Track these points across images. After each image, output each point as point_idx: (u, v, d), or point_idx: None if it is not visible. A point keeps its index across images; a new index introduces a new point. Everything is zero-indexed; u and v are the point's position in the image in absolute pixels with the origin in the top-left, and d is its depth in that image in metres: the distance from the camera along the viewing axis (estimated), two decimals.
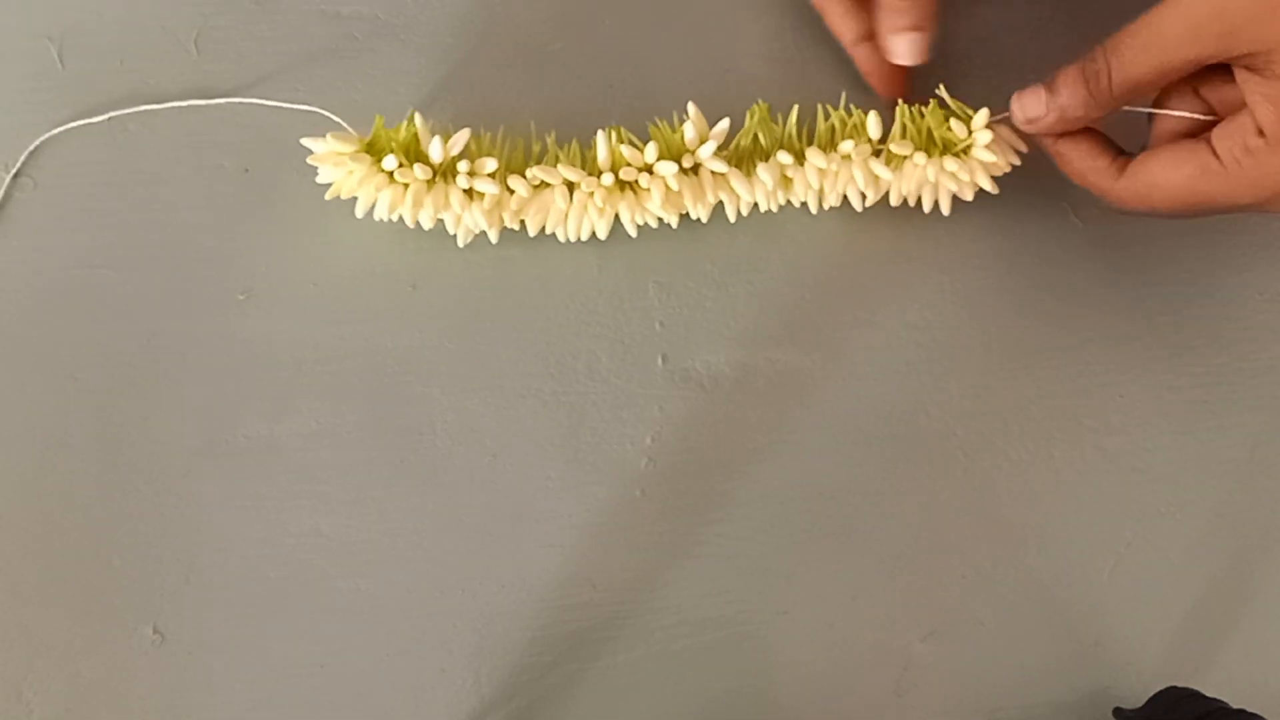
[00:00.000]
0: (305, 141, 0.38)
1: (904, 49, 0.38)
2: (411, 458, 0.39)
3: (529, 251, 0.40)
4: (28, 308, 0.39)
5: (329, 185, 0.38)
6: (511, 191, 0.38)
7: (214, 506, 0.38)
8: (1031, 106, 0.36)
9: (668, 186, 0.38)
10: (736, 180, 0.38)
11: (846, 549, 0.40)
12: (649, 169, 0.38)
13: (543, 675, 0.38)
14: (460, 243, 0.39)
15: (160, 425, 0.38)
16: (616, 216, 0.39)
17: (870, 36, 0.39)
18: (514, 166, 0.38)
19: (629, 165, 0.38)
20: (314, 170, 0.39)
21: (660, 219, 0.39)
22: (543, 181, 0.38)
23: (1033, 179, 0.40)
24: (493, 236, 0.39)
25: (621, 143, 0.38)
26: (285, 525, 0.38)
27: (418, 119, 0.37)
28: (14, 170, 0.39)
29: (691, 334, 0.40)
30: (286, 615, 0.38)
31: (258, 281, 0.39)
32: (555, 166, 0.38)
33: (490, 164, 0.37)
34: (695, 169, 0.38)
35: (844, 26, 0.40)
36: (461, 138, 0.37)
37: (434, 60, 0.41)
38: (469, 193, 0.37)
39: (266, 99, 0.40)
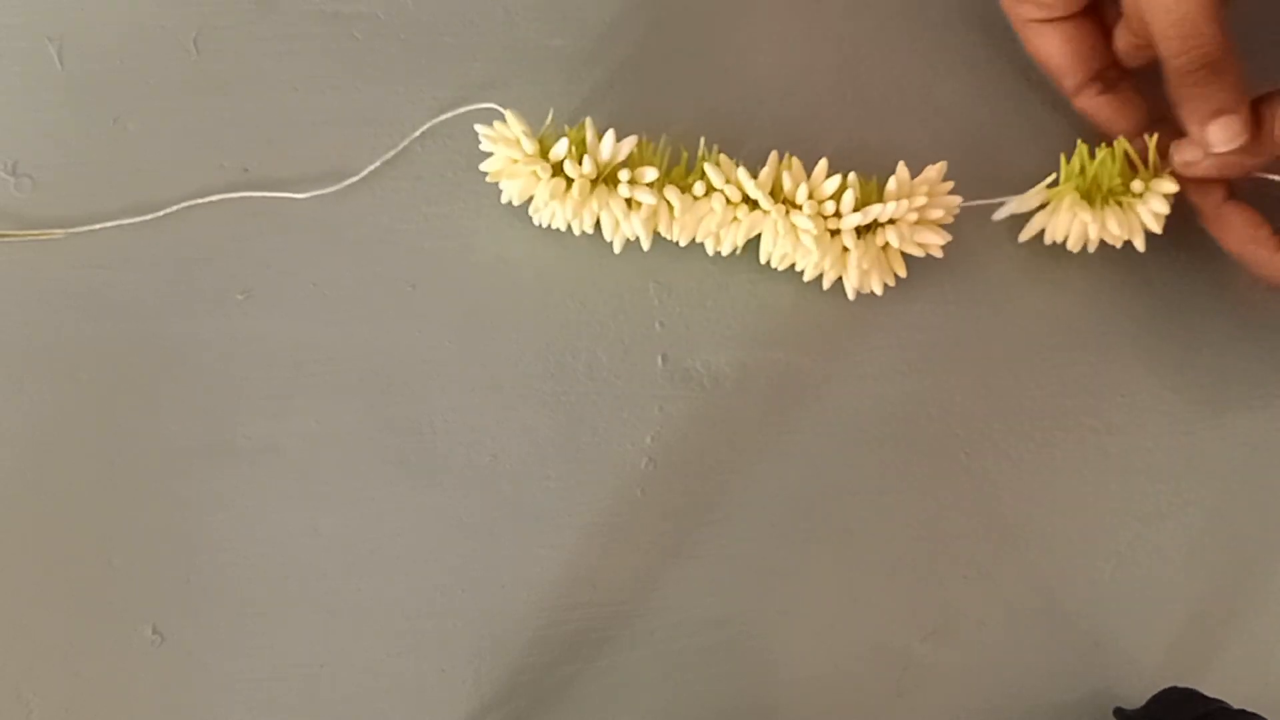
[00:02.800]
0: (479, 128, 0.38)
1: (1219, 135, 0.35)
2: (411, 458, 0.39)
3: (529, 251, 0.40)
4: (28, 308, 0.39)
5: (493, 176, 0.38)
6: (670, 205, 0.38)
7: (214, 506, 0.38)
8: (1188, 151, 0.36)
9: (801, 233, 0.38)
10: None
11: (846, 549, 0.40)
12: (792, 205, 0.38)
13: (543, 675, 0.38)
14: (616, 249, 0.39)
15: (160, 425, 0.38)
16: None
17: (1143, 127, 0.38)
18: (673, 178, 0.38)
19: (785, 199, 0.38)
20: (314, 170, 0.39)
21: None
22: (705, 192, 0.38)
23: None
24: (645, 244, 0.39)
25: (787, 169, 0.38)
26: (285, 525, 0.38)
27: (588, 123, 0.37)
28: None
29: (691, 334, 0.40)
30: (286, 615, 0.38)
31: (258, 281, 0.39)
32: (721, 174, 0.38)
33: (650, 173, 0.37)
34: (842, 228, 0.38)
35: (1121, 121, 0.39)
36: (628, 144, 0.37)
37: (434, 60, 0.41)
38: (629, 201, 0.38)
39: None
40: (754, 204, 0.38)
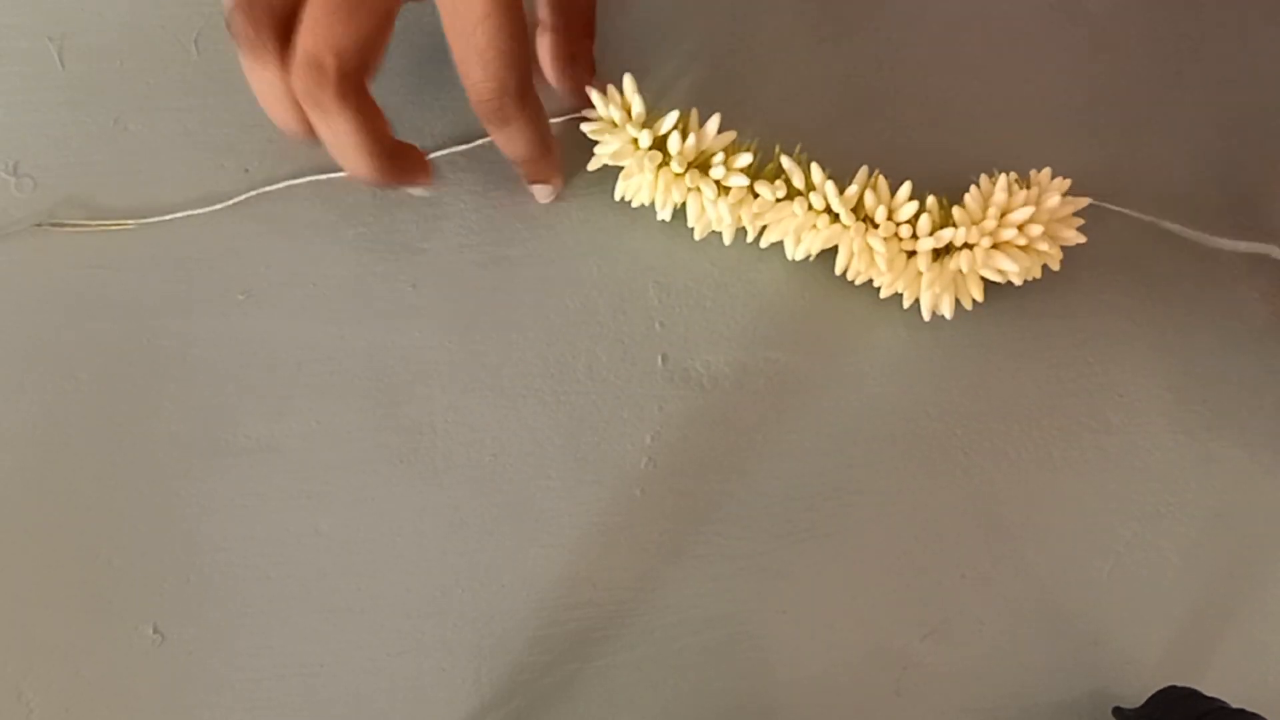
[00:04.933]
0: (594, 96, 0.38)
1: (541, 195, 0.40)
2: (411, 458, 0.39)
3: (529, 251, 0.40)
4: (28, 308, 0.39)
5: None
6: (756, 195, 0.38)
7: (214, 506, 0.38)
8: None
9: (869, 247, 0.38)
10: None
11: (846, 549, 0.40)
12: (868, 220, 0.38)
13: (543, 675, 0.38)
14: (696, 236, 0.39)
15: (160, 425, 0.38)
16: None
17: None
18: (764, 174, 0.38)
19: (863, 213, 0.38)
20: (314, 170, 0.39)
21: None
22: (788, 194, 0.38)
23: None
24: (727, 237, 0.39)
25: (872, 187, 0.38)
26: (285, 525, 0.38)
27: (694, 114, 0.37)
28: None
29: (691, 334, 0.40)
30: (286, 615, 0.38)
31: (258, 281, 0.39)
32: (810, 179, 0.38)
33: (745, 158, 0.37)
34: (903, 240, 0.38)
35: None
36: (729, 135, 0.37)
37: (434, 59, 0.41)
38: (719, 185, 0.38)
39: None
40: (835, 216, 0.38)
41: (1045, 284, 0.41)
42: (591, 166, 0.39)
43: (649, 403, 0.40)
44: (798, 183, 0.38)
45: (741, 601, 0.39)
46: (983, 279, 0.38)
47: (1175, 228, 0.41)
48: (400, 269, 0.40)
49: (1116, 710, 0.39)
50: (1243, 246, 0.41)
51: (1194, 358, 0.42)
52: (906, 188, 0.38)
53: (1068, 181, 0.38)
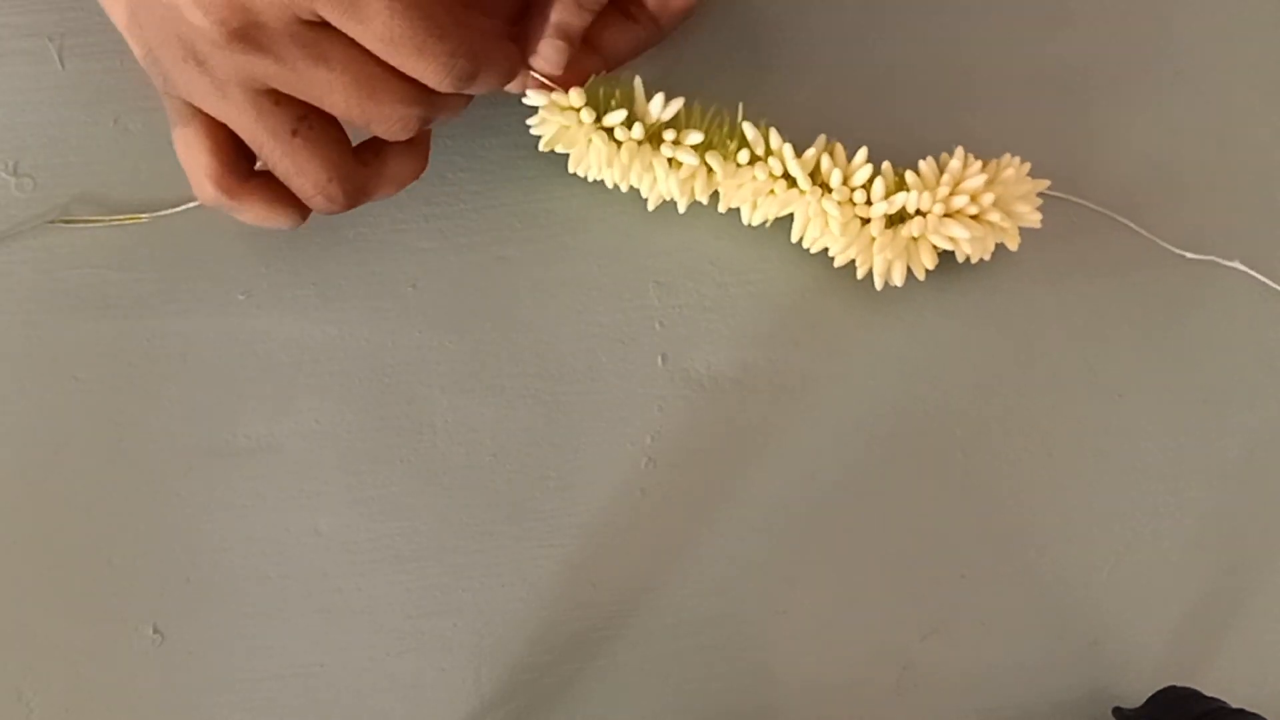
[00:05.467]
0: (531, 93, 0.37)
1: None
2: (411, 458, 0.39)
3: (529, 252, 0.40)
4: (28, 307, 0.39)
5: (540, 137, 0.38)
6: (709, 169, 0.38)
7: (214, 506, 0.38)
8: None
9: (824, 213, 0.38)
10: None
11: (846, 549, 0.40)
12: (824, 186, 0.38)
13: (543, 675, 0.38)
14: (649, 207, 0.39)
15: (160, 425, 0.38)
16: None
17: None
18: (716, 144, 0.38)
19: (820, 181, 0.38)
20: None
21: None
22: (750, 160, 0.38)
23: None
24: (681, 206, 0.39)
25: (828, 152, 0.38)
26: (285, 525, 0.38)
27: (637, 82, 0.37)
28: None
29: (691, 334, 0.40)
30: (286, 615, 0.38)
31: (258, 281, 0.39)
32: (770, 147, 0.38)
33: (695, 137, 0.37)
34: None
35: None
36: (675, 105, 0.37)
37: None
38: (671, 161, 0.38)
39: None
40: (793, 181, 0.38)
41: (1047, 288, 0.41)
42: (542, 147, 0.38)
43: (649, 403, 0.40)
44: (758, 150, 0.38)
45: (741, 601, 0.39)
46: (972, 264, 0.39)
47: (1133, 226, 0.41)
48: (400, 269, 0.40)
49: (1116, 710, 0.39)
50: (1189, 255, 0.41)
51: (1193, 357, 0.42)
52: (863, 153, 0.38)
53: (1027, 165, 0.38)
